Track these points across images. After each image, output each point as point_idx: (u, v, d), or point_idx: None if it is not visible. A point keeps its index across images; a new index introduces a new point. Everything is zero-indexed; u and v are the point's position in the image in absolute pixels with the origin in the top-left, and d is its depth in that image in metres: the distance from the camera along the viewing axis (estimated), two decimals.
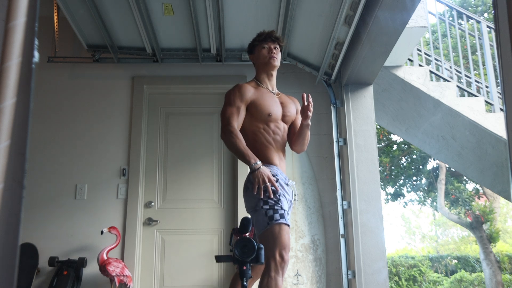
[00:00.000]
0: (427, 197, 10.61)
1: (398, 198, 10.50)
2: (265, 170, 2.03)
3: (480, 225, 8.38)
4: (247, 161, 2.05)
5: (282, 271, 1.91)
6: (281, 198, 2.04)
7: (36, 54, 0.69)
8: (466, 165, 5.18)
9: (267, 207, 1.99)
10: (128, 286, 3.16)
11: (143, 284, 3.44)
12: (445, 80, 4.38)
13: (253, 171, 2.03)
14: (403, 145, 9.93)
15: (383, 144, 9.90)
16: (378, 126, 8.28)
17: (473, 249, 13.12)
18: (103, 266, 3.07)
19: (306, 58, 3.68)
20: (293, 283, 3.39)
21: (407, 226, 18.45)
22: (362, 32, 2.96)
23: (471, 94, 4.42)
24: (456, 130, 4.51)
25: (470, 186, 10.08)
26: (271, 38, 2.31)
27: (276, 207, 2.00)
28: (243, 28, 3.40)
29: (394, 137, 9.84)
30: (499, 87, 4.33)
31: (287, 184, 2.15)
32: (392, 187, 10.47)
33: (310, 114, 2.17)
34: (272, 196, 2.00)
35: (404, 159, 10.29)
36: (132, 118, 3.70)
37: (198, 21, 3.23)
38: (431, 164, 10.10)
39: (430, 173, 10.09)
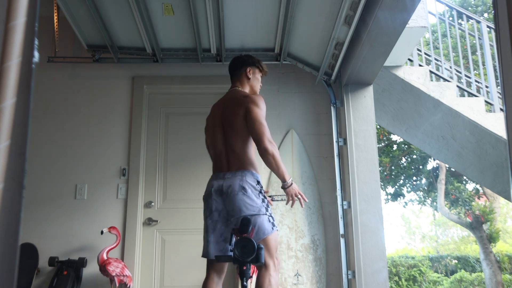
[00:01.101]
0: (427, 197, 10.61)
1: (398, 198, 10.50)
2: (295, 185, 2.21)
3: (480, 225, 8.38)
4: (284, 178, 2.15)
5: (278, 270, 2.12)
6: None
7: (36, 54, 0.69)
8: (466, 165, 5.19)
9: (269, 214, 2.13)
10: (128, 286, 3.16)
11: (143, 284, 3.44)
12: (445, 80, 4.38)
13: (288, 186, 2.17)
14: (403, 145, 9.93)
15: (383, 144, 9.90)
16: (378, 126, 8.29)
17: (473, 249, 13.12)
18: (103, 266, 3.07)
19: (306, 58, 3.68)
20: (293, 283, 3.39)
21: (407, 226, 18.46)
22: (362, 32, 2.97)
23: (471, 94, 4.43)
24: (456, 130, 4.51)
25: (470, 186, 10.08)
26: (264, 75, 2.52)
27: (272, 215, 2.17)
28: (243, 28, 3.40)
29: (394, 137, 9.84)
30: (499, 87, 4.33)
31: None
32: (392, 187, 10.47)
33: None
34: (303, 206, 2.26)
35: (404, 159, 10.29)
36: (132, 118, 3.70)
37: (198, 21, 3.23)
38: (431, 164, 10.11)
39: (430, 173, 10.09)
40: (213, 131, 2.30)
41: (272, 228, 2.10)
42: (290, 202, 2.20)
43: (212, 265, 2.14)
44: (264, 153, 2.10)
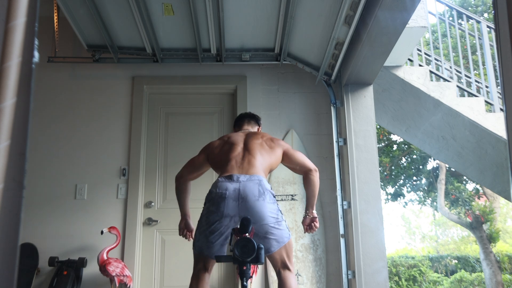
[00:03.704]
0: (427, 197, 10.61)
1: (398, 198, 10.50)
2: None
3: (480, 225, 8.38)
4: (314, 204, 2.38)
5: None
6: None
7: (36, 54, 0.69)
8: (466, 165, 5.19)
9: (284, 218, 2.18)
10: (128, 286, 3.16)
11: (143, 284, 3.44)
12: (445, 80, 4.38)
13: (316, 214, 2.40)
14: (403, 145, 9.92)
15: (383, 144, 9.90)
16: (378, 126, 8.29)
17: (473, 249, 13.12)
18: (103, 266, 3.07)
19: (306, 58, 3.68)
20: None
21: (407, 226, 18.46)
22: (362, 32, 2.97)
23: (471, 94, 4.43)
24: (456, 130, 4.51)
25: (470, 186, 10.08)
26: None
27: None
28: (243, 28, 3.40)
29: (394, 137, 9.84)
30: (499, 87, 4.33)
31: None
32: (392, 187, 10.47)
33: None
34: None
35: (404, 159, 10.29)
36: (132, 118, 3.70)
37: (198, 21, 3.23)
38: (431, 164, 10.10)
39: (430, 173, 10.09)
40: (227, 148, 2.29)
41: (289, 234, 2.14)
42: (306, 227, 2.37)
43: (207, 264, 2.10)
44: (315, 173, 2.35)
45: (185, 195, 2.44)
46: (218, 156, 2.31)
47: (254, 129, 2.58)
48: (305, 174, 2.34)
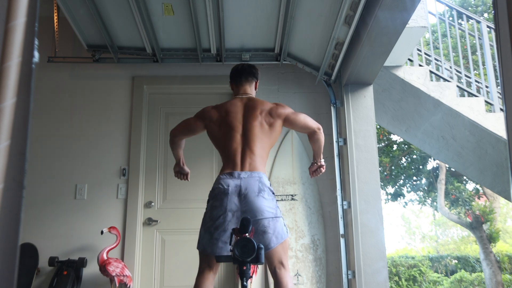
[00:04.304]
0: (427, 197, 10.61)
1: (398, 198, 10.50)
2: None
3: (480, 225, 8.38)
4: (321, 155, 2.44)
5: None
6: None
7: (36, 54, 0.69)
8: (466, 165, 5.19)
9: (282, 216, 2.18)
10: (128, 286, 3.16)
11: (143, 284, 3.44)
12: (445, 80, 4.38)
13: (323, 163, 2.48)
14: (403, 145, 9.93)
15: (383, 144, 9.90)
16: (378, 126, 8.28)
17: (473, 249, 13.12)
18: (103, 266, 3.07)
19: (306, 58, 3.68)
20: (293, 283, 3.39)
21: (407, 226, 18.46)
22: (362, 32, 2.97)
23: (471, 94, 4.43)
24: (456, 130, 4.51)
25: (470, 186, 10.07)
26: None
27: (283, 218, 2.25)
28: (243, 28, 3.40)
29: (394, 137, 9.84)
30: (499, 87, 4.33)
31: None
32: (392, 187, 10.47)
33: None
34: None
35: (404, 159, 10.29)
36: (132, 118, 3.70)
37: (198, 21, 3.23)
38: (431, 164, 10.10)
39: (430, 173, 10.09)
40: (226, 131, 2.27)
41: (286, 232, 2.14)
42: (312, 172, 2.48)
43: (211, 263, 2.12)
44: (319, 131, 2.38)
45: (179, 148, 2.51)
46: (218, 136, 2.30)
47: (252, 87, 2.48)
48: (310, 134, 2.40)
